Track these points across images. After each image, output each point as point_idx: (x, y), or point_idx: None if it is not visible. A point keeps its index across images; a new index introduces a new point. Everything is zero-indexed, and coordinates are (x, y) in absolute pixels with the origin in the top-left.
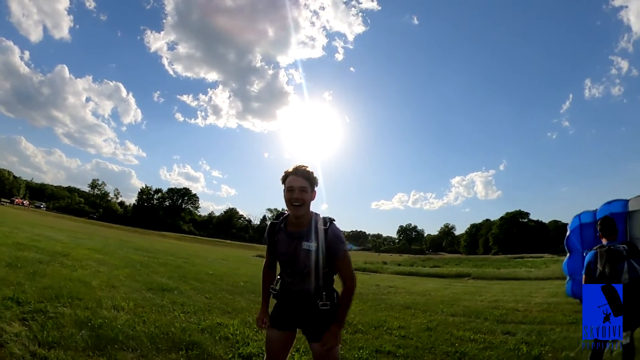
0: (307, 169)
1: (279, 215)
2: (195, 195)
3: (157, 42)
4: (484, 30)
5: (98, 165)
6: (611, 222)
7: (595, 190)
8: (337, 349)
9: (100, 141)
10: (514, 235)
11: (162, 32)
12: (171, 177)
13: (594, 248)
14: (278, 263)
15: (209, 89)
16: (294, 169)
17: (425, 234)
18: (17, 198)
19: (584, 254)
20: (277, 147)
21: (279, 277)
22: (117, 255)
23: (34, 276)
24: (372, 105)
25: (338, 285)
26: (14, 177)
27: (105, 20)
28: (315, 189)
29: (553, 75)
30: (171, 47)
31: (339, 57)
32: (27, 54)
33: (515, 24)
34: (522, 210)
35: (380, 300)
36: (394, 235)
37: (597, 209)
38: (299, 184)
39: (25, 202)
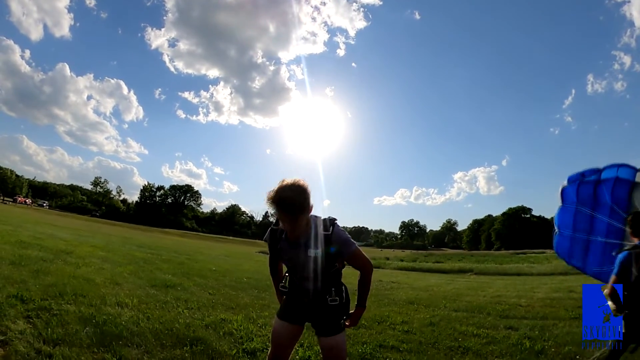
0: (294, 195)
1: (278, 220)
2: (197, 192)
3: (157, 39)
4: (485, 26)
5: (100, 163)
6: None
7: None
8: (344, 342)
9: (102, 139)
10: (516, 230)
11: (162, 29)
12: (173, 174)
13: (627, 249)
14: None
15: (210, 86)
16: (278, 199)
17: (428, 230)
18: (19, 197)
19: (576, 207)
20: (279, 143)
21: (286, 274)
22: (120, 253)
23: (38, 274)
24: (374, 100)
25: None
26: (17, 176)
27: (106, 17)
28: (311, 205)
29: (555, 71)
30: (172, 44)
31: (341, 52)
32: (27, 53)
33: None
34: (524, 205)
35: (383, 295)
36: (396, 231)
37: (602, 169)
38: (289, 217)
39: (28, 201)
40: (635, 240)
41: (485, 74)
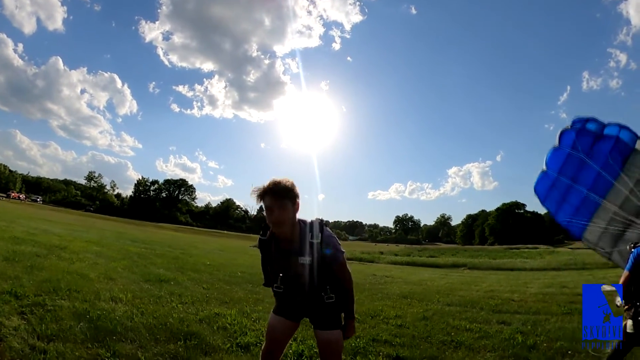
0: (285, 183)
1: (264, 228)
2: (191, 186)
3: (152, 32)
4: (482, 21)
5: (94, 158)
6: None
7: None
8: (342, 337)
9: (96, 133)
10: (510, 226)
11: (157, 22)
12: (167, 168)
13: None
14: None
15: (204, 79)
16: (269, 186)
17: (422, 224)
18: (13, 192)
19: (570, 151)
20: (273, 137)
21: (281, 274)
22: (114, 247)
23: (32, 270)
24: (369, 95)
25: None
26: (10, 171)
27: (99, 10)
28: (298, 200)
29: (551, 67)
30: (166, 37)
31: (336, 46)
32: (20, 47)
33: (513, 15)
34: (518, 201)
35: (377, 289)
36: (391, 225)
37: (606, 123)
38: (278, 203)
39: (22, 196)
40: None
41: (481, 69)
